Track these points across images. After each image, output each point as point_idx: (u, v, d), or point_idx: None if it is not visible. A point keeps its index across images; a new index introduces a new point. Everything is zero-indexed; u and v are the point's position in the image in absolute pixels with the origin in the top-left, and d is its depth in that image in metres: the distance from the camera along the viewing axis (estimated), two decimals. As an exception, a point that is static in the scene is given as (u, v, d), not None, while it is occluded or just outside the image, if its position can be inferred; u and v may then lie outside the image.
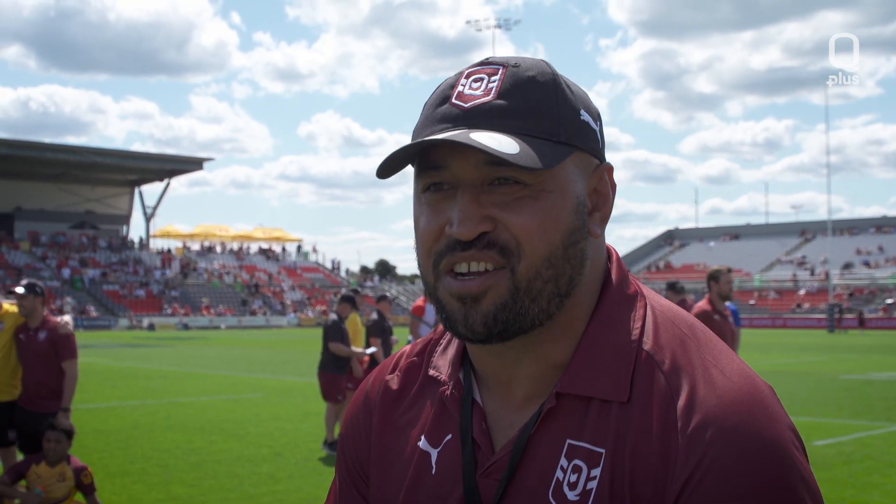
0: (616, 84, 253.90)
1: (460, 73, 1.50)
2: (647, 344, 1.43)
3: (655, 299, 1.52)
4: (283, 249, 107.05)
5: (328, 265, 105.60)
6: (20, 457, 9.42)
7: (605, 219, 1.49)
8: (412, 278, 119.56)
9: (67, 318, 9.64)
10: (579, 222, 1.43)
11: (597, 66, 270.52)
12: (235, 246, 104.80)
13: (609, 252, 1.55)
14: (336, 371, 14.21)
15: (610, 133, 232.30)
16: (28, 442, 9.27)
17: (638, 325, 1.46)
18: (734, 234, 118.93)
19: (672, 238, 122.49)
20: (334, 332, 14.27)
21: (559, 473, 1.41)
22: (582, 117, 1.45)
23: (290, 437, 15.13)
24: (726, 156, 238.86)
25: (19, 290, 9.37)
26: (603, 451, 1.38)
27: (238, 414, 18.35)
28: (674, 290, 15.08)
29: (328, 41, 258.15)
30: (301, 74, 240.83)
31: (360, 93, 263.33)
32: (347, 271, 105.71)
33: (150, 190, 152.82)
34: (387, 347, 15.45)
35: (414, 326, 16.20)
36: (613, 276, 1.52)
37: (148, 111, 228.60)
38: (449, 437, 1.56)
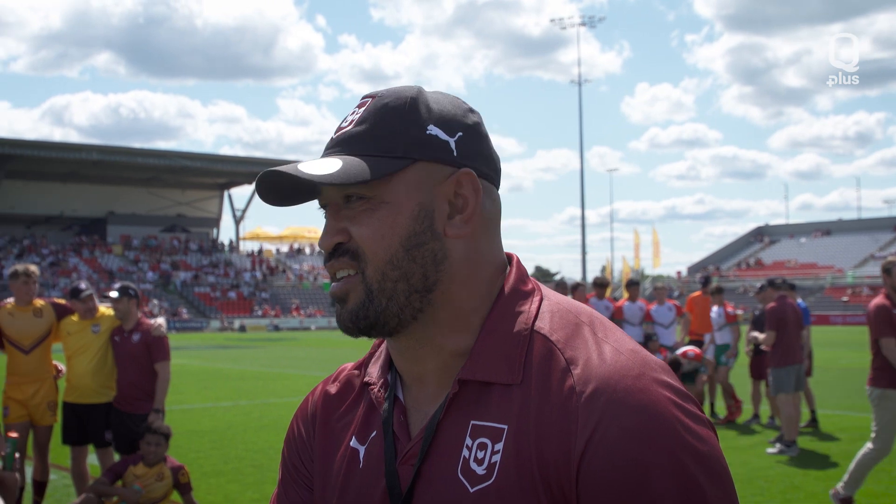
0: (703, 80, 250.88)
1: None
2: (543, 329, 1.60)
3: (552, 295, 1.70)
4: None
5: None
6: (116, 457, 9.54)
7: (467, 220, 1.65)
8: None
9: (161, 320, 9.75)
10: (421, 227, 1.62)
11: (683, 62, 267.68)
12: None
13: (510, 256, 1.76)
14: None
15: (697, 129, 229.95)
16: (123, 442, 9.39)
17: (532, 314, 1.63)
18: (825, 229, 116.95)
19: (762, 235, 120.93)
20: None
21: (465, 452, 1.57)
22: (428, 132, 1.64)
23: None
24: (816, 150, 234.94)
25: (113, 293, 9.50)
26: (505, 426, 1.54)
27: (329, 414, 18.38)
28: (773, 285, 14.81)
29: (413, 42, 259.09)
30: (387, 76, 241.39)
31: (446, 92, 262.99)
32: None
33: (240, 193, 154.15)
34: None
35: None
36: (512, 275, 1.70)
37: (236, 115, 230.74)
38: (374, 433, 1.74)
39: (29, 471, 10.16)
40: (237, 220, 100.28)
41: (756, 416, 16.46)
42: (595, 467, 1.44)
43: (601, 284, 18.54)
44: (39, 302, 9.76)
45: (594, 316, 1.65)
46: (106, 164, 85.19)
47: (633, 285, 18.60)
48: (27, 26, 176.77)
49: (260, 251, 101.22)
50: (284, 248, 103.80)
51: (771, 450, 13.27)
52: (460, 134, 1.67)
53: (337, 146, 1.67)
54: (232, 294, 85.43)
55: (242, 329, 74.69)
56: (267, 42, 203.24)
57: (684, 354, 16.68)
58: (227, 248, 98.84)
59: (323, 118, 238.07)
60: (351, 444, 1.78)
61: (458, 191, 1.65)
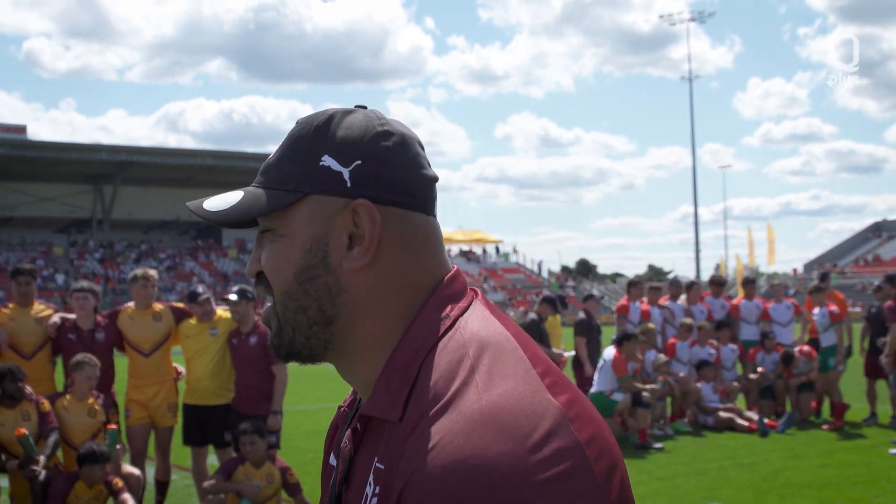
0: (816, 73, 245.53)
1: None
2: (430, 364, 1.50)
3: (471, 320, 1.58)
4: (484, 251, 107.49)
5: (529, 266, 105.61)
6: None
7: (366, 251, 1.59)
8: (613, 277, 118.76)
9: (277, 322, 9.85)
10: (314, 260, 1.60)
11: (796, 56, 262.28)
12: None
13: (450, 276, 1.67)
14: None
15: (811, 123, 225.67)
16: (243, 443, 9.51)
17: (427, 347, 1.54)
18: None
19: (880, 230, 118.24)
20: (532, 332, 14.22)
21: (367, 489, 1.51)
22: (322, 163, 1.61)
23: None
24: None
25: (232, 296, 9.64)
26: (384, 467, 1.48)
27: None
28: (892, 283, 14.48)
29: (521, 42, 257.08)
30: (496, 76, 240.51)
31: (556, 92, 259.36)
32: (549, 271, 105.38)
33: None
34: (595, 346, 15.34)
35: (619, 326, 16.03)
36: (430, 301, 1.61)
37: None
38: None
39: (151, 471, 10.35)
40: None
41: (873, 415, 16.11)
42: None
43: (717, 283, 18.36)
44: (158, 306, 9.95)
45: (490, 351, 1.51)
46: (220, 169, 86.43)
47: (749, 283, 18.38)
48: (141, 35, 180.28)
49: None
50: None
51: (894, 450, 12.99)
52: (358, 162, 1.61)
53: (259, 175, 1.69)
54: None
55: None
56: (376, 45, 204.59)
57: (800, 351, 16.47)
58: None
59: (433, 119, 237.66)
60: (330, 460, 1.81)
61: (356, 221, 1.59)
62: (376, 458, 1.51)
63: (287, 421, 9.98)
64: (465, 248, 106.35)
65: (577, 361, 15.42)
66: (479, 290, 1.70)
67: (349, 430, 1.61)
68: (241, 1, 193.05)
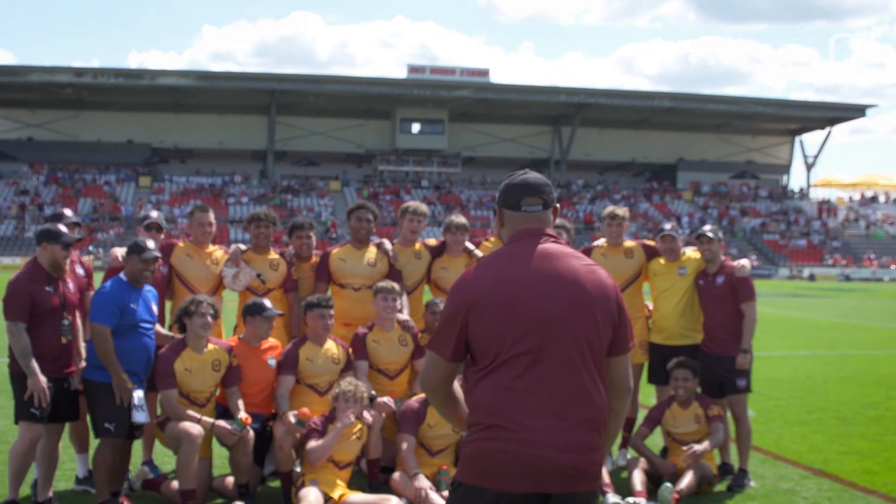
0: None
1: None
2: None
3: (499, 249, 4.29)
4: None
5: None
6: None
7: (497, 224, 4.40)
8: None
9: (745, 261, 9.55)
10: (497, 227, 4.51)
11: None
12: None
13: (515, 235, 4.25)
14: None
15: None
16: (711, 385, 9.31)
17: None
18: None
19: None
20: None
21: None
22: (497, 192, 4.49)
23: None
24: None
25: (708, 234, 9.39)
26: None
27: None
28: None
29: None
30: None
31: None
32: None
33: (811, 139, 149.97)
34: None
35: None
36: (506, 241, 4.37)
37: (806, 59, 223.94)
38: None
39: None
40: (808, 167, 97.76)
41: None
42: None
43: None
44: (630, 243, 9.88)
45: (492, 255, 4.22)
46: (676, 112, 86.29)
47: None
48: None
49: (830, 199, 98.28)
50: (857, 196, 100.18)
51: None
52: (497, 192, 4.30)
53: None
54: (801, 242, 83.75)
55: (812, 278, 73.04)
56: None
57: None
58: (796, 196, 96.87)
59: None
60: None
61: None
62: None
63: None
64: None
65: None
66: (545, 235, 4.16)
67: None
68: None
